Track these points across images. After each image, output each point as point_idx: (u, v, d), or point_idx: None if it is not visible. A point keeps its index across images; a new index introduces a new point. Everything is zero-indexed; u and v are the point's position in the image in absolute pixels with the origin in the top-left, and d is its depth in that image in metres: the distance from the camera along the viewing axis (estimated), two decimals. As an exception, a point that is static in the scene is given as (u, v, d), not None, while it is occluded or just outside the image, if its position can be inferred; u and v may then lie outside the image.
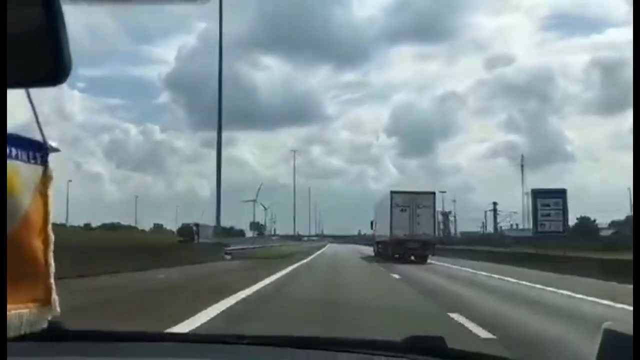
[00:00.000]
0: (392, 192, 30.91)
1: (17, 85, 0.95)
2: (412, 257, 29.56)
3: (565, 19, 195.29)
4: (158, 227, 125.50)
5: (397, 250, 29.99)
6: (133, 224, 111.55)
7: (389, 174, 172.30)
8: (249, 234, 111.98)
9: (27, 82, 0.94)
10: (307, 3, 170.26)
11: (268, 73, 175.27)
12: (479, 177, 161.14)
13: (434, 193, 31.55)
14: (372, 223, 40.70)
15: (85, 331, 1.63)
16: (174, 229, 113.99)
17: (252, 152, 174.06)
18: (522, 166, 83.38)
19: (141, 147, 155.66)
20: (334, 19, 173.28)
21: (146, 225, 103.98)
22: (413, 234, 30.01)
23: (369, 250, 45.06)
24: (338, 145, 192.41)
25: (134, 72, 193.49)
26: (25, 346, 1.31)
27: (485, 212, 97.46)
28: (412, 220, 30.14)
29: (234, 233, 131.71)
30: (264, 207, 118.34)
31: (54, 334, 1.38)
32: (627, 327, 1.07)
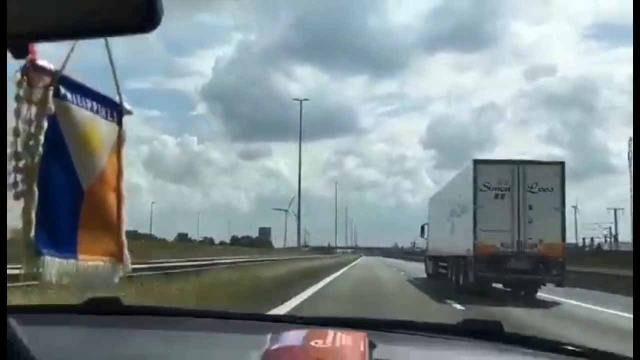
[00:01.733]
0: (476, 163, 15.26)
1: (108, 33, 0.96)
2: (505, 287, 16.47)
3: (609, 28, 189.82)
4: (182, 237, 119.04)
5: (487, 273, 15.35)
6: (150, 232, 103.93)
7: (425, 187, 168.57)
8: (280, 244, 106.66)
9: (115, 29, 0.89)
10: (343, 12, 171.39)
11: (303, 83, 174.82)
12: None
13: (562, 164, 15.72)
14: (422, 229, 27.04)
15: (142, 307, 1.70)
16: (200, 238, 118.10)
17: (287, 163, 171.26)
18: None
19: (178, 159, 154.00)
20: (370, 27, 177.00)
21: (169, 234, 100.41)
22: (522, 243, 15.30)
23: (413, 268, 35.37)
24: (374, 157, 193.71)
25: (172, 84, 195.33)
26: (82, 318, 1.39)
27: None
28: (519, 216, 15.49)
29: (260, 243, 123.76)
30: (296, 216, 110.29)
31: (112, 308, 1.45)
32: None
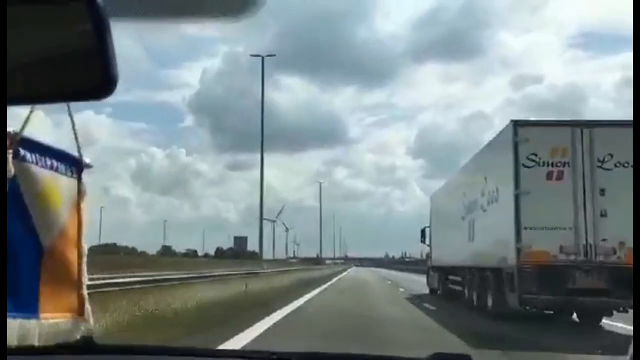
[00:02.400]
0: (517, 125, 9.30)
1: (64, 98, 1.00)
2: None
3: (594, 37, 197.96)
4: (166, 249, 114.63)
5: (539, 295, 9.84)
6: (130, 245, 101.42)
7: (414, 196, 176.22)
8: (269, 255, 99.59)
9: (74, 95, 0.96)
10: (331, 22, 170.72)
11: (292, 94, 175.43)
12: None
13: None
14: (422, 232, 21.49)
15: (114, 345, 1.64)
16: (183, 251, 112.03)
17: (276, 175, 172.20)
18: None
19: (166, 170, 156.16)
20: (359, 38, 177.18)
21: (153, 248, 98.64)
22: (592, 247, 10.04)
23: (409, 280, 33.18)
24: (363, 167, 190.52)
25: (159, 96, 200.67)
26: (57, 358, 1.35)
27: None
28: (586, 205, 10.10)
29: (242, 255, 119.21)
30: (285, 227, 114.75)
31: (85, 346, 1.43)
32: None
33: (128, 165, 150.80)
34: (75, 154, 1.44)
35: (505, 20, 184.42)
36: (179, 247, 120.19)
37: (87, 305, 1.42)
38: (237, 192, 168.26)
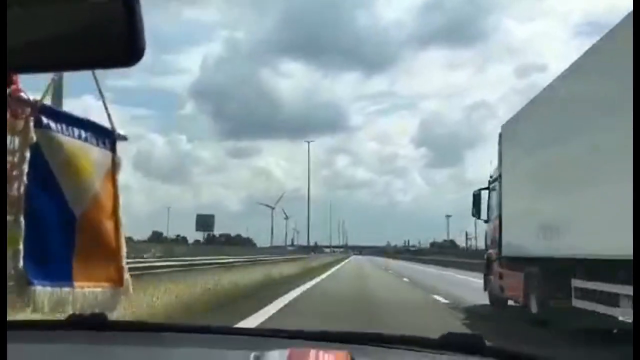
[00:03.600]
0: None
1: (93, 65, 1.02)
2: None
3: (599, 26, 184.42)
4: (157, 235, 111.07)
5: None
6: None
7: (416, 185, 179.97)
8: (266, 243, 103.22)
9: (102, 62, 0.96)
10: (333, 7, 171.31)
11: (293, 81, 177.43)
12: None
13: None
14: (477, 199, 12.70)
15: (126, 322, 1.70)
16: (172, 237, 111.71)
17: (277, 162, 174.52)
18: None
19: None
20: (361, 23, 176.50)
21: (144, 234, 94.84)
22: None
23: (430, 276, 26.06)
24: (365, 156, 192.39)
25: (160, 82, 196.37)
26: (72, 334, 1.33)
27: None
28: None
29: (237, 242, 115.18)
30: (285, 215, 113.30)
31: (98, 323, 1.44)
32: None
33: (128, 150, 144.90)
34: (108, 125, 1.45)
35: (510, 7, 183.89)
36: (172, 233, 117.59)
37: (126, 276, 1.42)
38: (237, 179, 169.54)
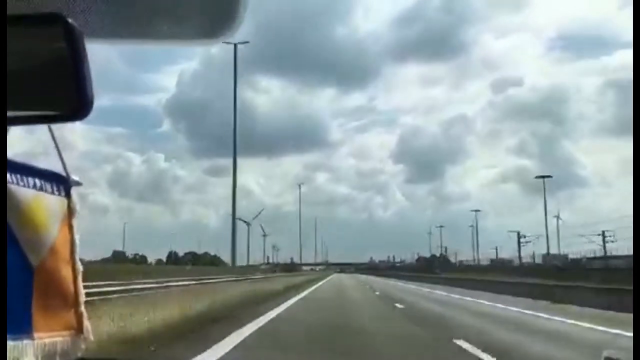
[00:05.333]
0: None
1: (40, 121, 1.02)
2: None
3: (575, 40, 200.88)
4: (118, 254, 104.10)
5: None
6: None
7: (395, 201, 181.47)
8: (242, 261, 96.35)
9: (49, 118, 0.98)
10: (309, 21, 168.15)
11: (270, 97, 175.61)
12: (490, 202, 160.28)
13: None
14: None
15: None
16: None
17: (256, 180, 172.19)
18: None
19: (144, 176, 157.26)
20: (338, 37, 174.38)
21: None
22: None
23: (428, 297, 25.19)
24: (344, 172, 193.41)
25: (136, 100, 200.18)
26: None
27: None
28: None
29: (206, 261, 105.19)
30: (263, 232, 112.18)
31: None
32: (628, 356, 1.25)
33: (104, 170, 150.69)
34: (62, 172, 1.41)
35: (485, 21, 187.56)
36: (131, 252, 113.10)
37: (86, 322, 1.38)
38: (215, 197, 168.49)
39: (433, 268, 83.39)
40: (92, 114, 0.98)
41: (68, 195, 1.39)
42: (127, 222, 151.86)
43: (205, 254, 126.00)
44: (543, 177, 73.14)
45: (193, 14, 1.13)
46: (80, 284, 1.35)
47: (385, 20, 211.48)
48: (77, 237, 1.38)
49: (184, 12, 1.11)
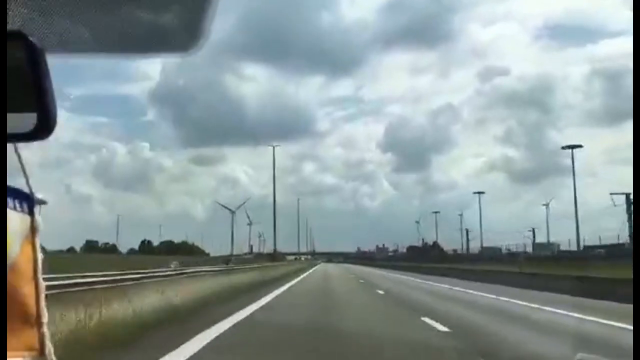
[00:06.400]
0: None
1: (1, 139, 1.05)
2: None
3: (561, 28, 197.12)
4: (91, 244, 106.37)
5: None
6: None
7: (383, 191, 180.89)
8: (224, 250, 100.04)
9: (11, 136, 0.96)
10: (294, 7, 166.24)
11: (256, 85, 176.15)
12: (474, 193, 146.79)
13: None
14: None
15: None
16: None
17: (242, 169, 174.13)
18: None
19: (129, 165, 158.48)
20: (324, 24, 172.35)
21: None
22: None
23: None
24: (331, 162, 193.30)
25: (120, 89, 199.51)
26: None
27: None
28: None
29: (184, 250, 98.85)
30: (249, 220, 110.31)
31: None
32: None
33: (88, 160, 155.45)
34: (26, 190, 1.36)
35: (471, 9, 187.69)
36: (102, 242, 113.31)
37: (48, 343, 1.32)
38: (201, 187, 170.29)
39: (430, 257, 79.02)
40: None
41: (32, 213, 1.35)
42: (110, 211, 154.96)
43: (184, 242, 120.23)
44: (572, 147, 64.95)
45: (157, 27, 1.15)
46: (43, 303, 1.31)
47: (372, 7, 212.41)
48: (40, 255, 1.34)
49: (148, 26, 1.14)
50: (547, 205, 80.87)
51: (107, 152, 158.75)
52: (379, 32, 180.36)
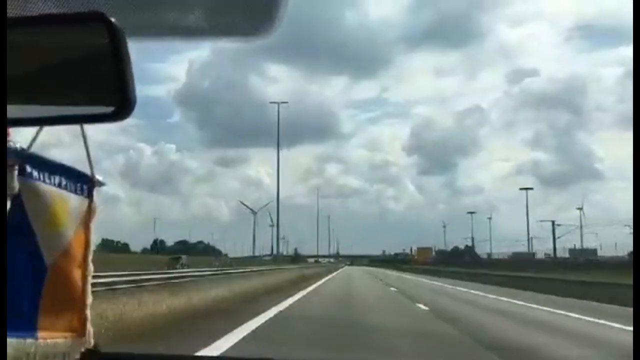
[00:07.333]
0: None
1: (82, 120, 1.05)
2: None
3: (593, 29, 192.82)
4: (107, 243, 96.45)
5: None
6: None
7: (408, 194, 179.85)
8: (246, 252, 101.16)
9: (91, 117, 0.99)
10: (320, 8, 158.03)
11: (280, 85, 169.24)
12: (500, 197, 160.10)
13: None
14: None
15: (119, 353, 1.64)
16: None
17: (266, 171, 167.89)
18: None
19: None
20: (349, 25, 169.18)
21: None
22: None
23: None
24: (356, 164, 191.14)
25: (147, 90, 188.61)
26: None
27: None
28: None
29: (204, 251, 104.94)
30: (271, 221, 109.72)
31: (91, 357, 1.47)
32: None
33: (116, 161, 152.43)
34: (88, 171, 1.42)
35: (500, 9, 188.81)
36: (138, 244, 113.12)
37: (89, 327, 1.38)
38: (225, 188, 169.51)
39: (463, 262, 78.12)
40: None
41: (90, 195, 1.38)
42: (139, 212, 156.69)
43: (199, 242, 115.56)
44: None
45: (232, 10, 1.17)
46: (89, 287, 1.34)
47: (397, 7, 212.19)
48: (93, 238, 1.37)
49: (222, 8, 1.15)
50: (581, 208, 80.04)
51: (134, 152, 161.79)
52: (404, 32, 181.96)
